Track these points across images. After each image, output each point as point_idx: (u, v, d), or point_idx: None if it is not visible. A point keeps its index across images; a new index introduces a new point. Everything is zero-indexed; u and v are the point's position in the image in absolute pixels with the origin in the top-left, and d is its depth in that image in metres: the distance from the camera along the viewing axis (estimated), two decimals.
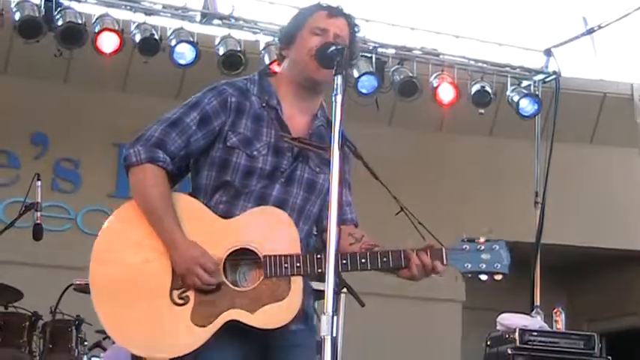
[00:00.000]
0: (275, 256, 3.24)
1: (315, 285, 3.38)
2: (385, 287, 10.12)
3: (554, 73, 9.50)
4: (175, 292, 3.24)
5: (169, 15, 8.50)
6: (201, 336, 3.21)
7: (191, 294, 3.24)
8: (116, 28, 8.16)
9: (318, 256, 3.23)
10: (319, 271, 3.21)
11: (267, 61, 8.50)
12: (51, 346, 7.14)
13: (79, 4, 8.16)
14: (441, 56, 9.37)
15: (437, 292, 10.88)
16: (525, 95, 9.44)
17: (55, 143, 10.42)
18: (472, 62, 9.46)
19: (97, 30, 8.13)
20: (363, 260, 3.28)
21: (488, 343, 7.71)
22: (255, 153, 3.37)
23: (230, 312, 3.21)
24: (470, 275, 3.38)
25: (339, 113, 3.03)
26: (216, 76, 8.31)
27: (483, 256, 3.35)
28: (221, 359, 3.25)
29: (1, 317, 7.13)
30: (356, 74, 8.79)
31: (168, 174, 3.36)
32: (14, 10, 7.97)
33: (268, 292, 3.22)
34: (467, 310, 11.56)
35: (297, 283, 3.24)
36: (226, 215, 3.34)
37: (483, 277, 3.39)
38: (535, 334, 7.52)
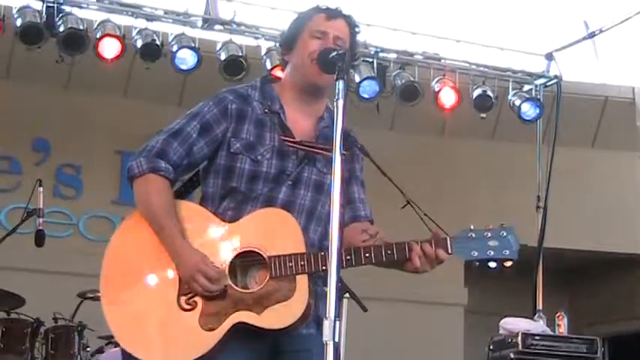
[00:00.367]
0: (279, 256, 3.25)
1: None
2: (388, 292, 10.13)
3: (556, 77, 9.51)
4: (183, 298, 3.27)
5: (171, 21, 8.52)
6: (209, 340, 3.22)
7: (198, 299, 3.26)
8: (118, 33, 8.17)
9: (322, 253, 3.23)
10: (324, 268, 3.20)
11: (268, 66, 8.51)
12: (53, 352, 7.14)
13: (80, 10, 8.17)
14: (442, 61, 9.38)
15: (440, 296, 10.90)
16: (527, 99, 9.45)
17: (56, 149, 10.42)
18: (474, 66, 9.47)
19: (98, 36, 8.13)
20: (367, 254, 3.27)
21: (491, 347, 7.70)
22: (259, 157, 3.39)
23: (237, 314, 3.23)
24: (477, 263, 3.29)
25: (341, 118, 3.04)
26: (218, 82, 8.31)
27: (491, 243, 3.28)
28: None
29: (3, 324, 7.12)
30: (357, 79, 8.80)
31: (173, 182, 3.40)
32: (16, 16, 7.98)
33: (274, 293, 3.23)
34: (469, 314, 11.56)
35: (302, 282, 3.24)
36: (234, 221, 3.36)
37: (492, 264, 3.31)
38: (537, 338, 7.51)
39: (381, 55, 9.10)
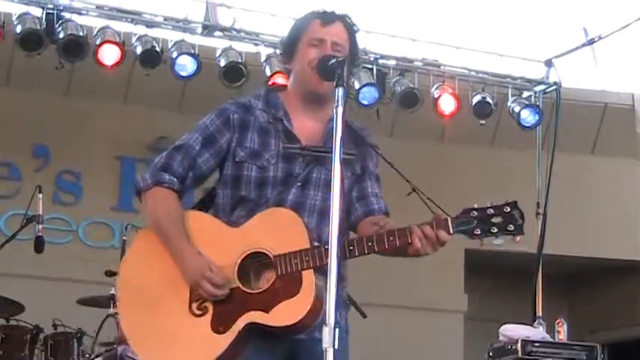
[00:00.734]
0: (285, 254, 3.29)
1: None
2: (387, 298, 10.12)
3: (555, 83, 9.50)
4: (194, 304, 3.34)
5: (170, 27, 8.52)
6: (222, 343, 3.28)
7: (209, 304, 3.33)
8: (117, 40, 8.18)
9: (326, 247, 3.23)
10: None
11: (268, 72, 8.52)
12: (52, 359, 7.14)
13: (80, 16, 8.17)
14: (442, 67, 9.38)
15: (439, 302, 10.88)
16: (526, 106, 9.45)
17: (56, 155, 10.42)
18: (473, 73, 9.47)
19: (98, 42, 8.14)
20: (370, 243, 3.28)
21: (491, 354, 7.68)
22: (264, 164, 3.44)
23: (247, 315, 3.28)
24: (482, 242, 3.23)
25: (340, 125, 3.06)
26: (218, 88, 8.32)
27: (494, 219, 3.24)
28: None
29: (3, 330, 7.12)
30: (357, 86, 8.80)
31: (180, 193, 3.48)
32: (16, 22, 7.98)
33: (281, 291, 3.27)
34: (469, 320, 11.54)
35: (308, 278, 3.27)
36: (240, 225, 3.41)
37: (498, 241, 3.25)
38: (537, 344, 7.49)
39: (380, 61, 9.10)
